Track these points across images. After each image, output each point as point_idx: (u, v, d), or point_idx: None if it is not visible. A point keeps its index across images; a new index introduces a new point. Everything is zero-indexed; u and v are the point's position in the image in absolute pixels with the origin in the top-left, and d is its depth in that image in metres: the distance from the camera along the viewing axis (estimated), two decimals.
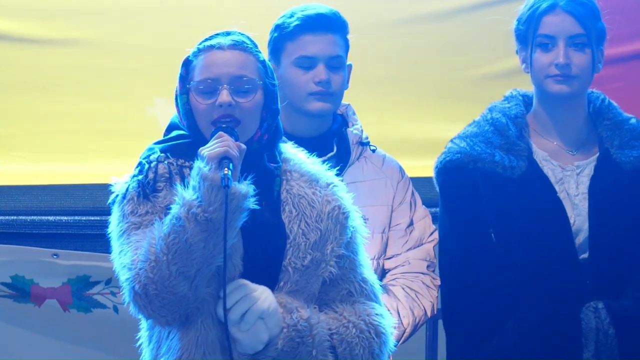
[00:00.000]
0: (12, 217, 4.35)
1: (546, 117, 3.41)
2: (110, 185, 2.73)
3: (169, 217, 2.54)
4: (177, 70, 2.74)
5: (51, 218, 4.35)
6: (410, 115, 4.51)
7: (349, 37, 3.43)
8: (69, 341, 4.35)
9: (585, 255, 3.30)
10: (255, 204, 2.57)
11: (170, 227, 2.52)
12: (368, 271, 2.79)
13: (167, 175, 2.66)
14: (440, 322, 3.57)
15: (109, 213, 2.72)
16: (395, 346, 2.94)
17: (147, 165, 2.67)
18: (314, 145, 3.18)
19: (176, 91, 2.73)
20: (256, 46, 2.74)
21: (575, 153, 3.41)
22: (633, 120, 3.45)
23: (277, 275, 2.67)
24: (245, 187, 2.55)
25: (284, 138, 2.83)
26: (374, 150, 3.47)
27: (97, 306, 4.30)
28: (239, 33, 2.73)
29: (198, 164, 2.55)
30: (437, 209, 3.49)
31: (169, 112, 2.82)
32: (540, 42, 3.31)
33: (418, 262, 3.45)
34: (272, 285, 2.65)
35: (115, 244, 2.65)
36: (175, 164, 2.67)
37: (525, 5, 3.38)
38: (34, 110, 4.35)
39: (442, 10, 4.49)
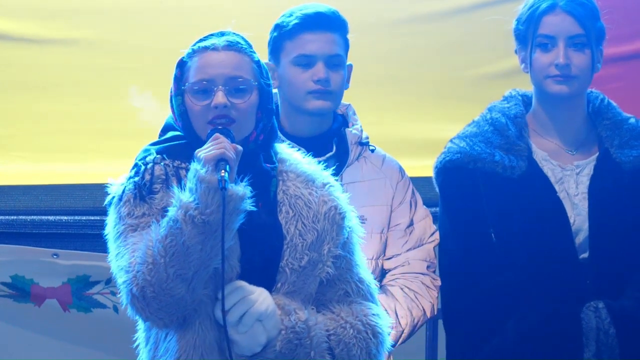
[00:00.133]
0: (12, 217, 4.35)
1: (546, 117, 3.41)
2: (112, 180, 2.72)
3: (166, 219, 2.54)
4: None
5: (51, 218, 4.35)
6: (410, 115, 4.51)
7: (349, 37, 3.43)
8: (69, 341, 4.35)
9: (585, 255, 3.30)
10: (252, 205, 2.57)
11: (168, 230, 2.52)
12: (364, 271, 2.79)
13: (164, 177, 2.65)
14: (440, 322, 3.57)
15: (106, 206, 2.71)
16: (393, 346, 2.94)
17: (143, 167, 2.66)
18: (314, 145, 3.18)
19: (171, 92, 2.73)
20: (250, 46, 2.73)
21: (574, 153, 3.41)
22: (632, 120, 3.45)
23: (275, 276, 2.66)
24: (242, 189, 2.55)
25: (281, 137, 2.83)
26: (373, 150, 3.47)
27: (97, 306, 4.30)
28: (233, 33, 2.73)
29: (195, 166, 2.55)
30: (437, 209, 3.49)
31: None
32: (540, 42, 3.31)
33: (418, 263, 3.45)
34: (269, 286, 2.65)
35: (112, 246, 2.65)
36: (171, 165, 2.67)
37: (524, 5, 3.38)
38: (34, 110, 4.35)
39: (442, 10, 4.49)
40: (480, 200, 3.35)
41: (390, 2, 4.47)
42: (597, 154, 3.39)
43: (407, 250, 3.46)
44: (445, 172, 3.41)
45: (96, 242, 4.23)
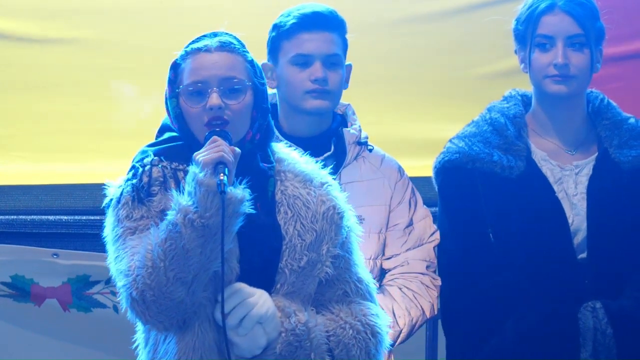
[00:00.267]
0: (12, 217, 4.35)
1: (545, 117, 3.41)
2: (109, 182, 2.72)
3: (165, 223, 2.54)
4: None
5: (51, 218, 4.35)
6: (410, 115, 4.51)
7: (348, 36, 3.43)
8: (69, 341, 4.35)
9: (584, 255, 3.30)
10: (251, 207, 2.57)
11: (167, 233, 2.51)
12: (363, 271, 2.79)
13: (162, 179, 2.65)
14: (440, 322, 3.57)
15: (104, 208, 2.71)
16: (391, 346, 2.94)
17: (140, 169, 2.66)
18: (312, 144, 3.18)
19: (165, 95, 2.72)
20: (243, 46, 2.72)
21: (574, 153, 3.41)
22: (632, 120, 3.45)
23: (274, 277, 2.66)
24: (241, 192, 2.54)
25: (278, 137, 2.83)
26: (371, 150, 3.47)
27: (97, 306, 4.30)
28: (226, 34, 2.72)
29: (193, 170, 2.54)
30: (437, 209, 3.50)
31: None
32: (538, 42, 3.32)
33: (417, 263, 3.45)
34: (269, 287, 2.65)
35: (111, 249, 2.65)
36: (169, 167, 2.66)
37: (524, 5, 3.38)
38: (34, 110, 4.35)
39: (442, 10, 4.49)
40: (478, 200, 3.35)
41: (390, 2, 4.47)
42: (596, 154, 3.39)
43: (407, 250, 3.45)
44: (444, 172, 3.41)
45: (96, 242, 4.21)
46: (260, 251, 2.65)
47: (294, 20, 3.33)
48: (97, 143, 4.37)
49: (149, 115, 4.28)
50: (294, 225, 2.68)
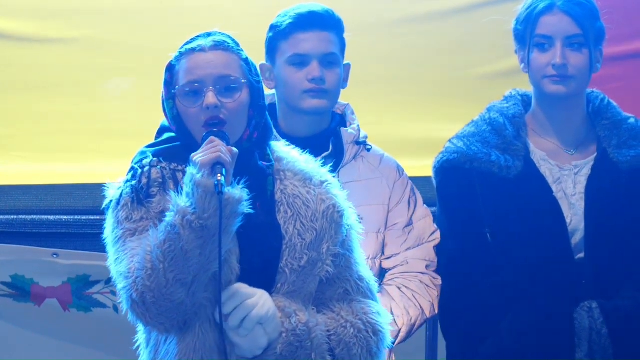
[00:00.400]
0: (12, 217, 4.35)
1: (544, 117, 3.41)
2: (109, 183, 2.72)
3: (163, 224, 2.54)
4: None
5: (51, 217, 4.35)
6: (410, 115, 4.51)
7: (347, 36, 3.43)
8: (69, 340, 4.35)
9: (582, 255, 3.30)
10: (250, 207, 2.57)
11: (166, 235, 2.51)
12: (364, 269, 2.79)
13: (161, 180, 2.65)
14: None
15: (104, 210, 2.71)
16: (392, 344, 2.94)
17: (140, 170, 2.66)
18: (311, 144, 3.18)
19: (162, 96, 2.73)
20: (238, 45, 2.72)
21: (573, 153, 3.41)
22: (632, 120, 3.45)
23: (274, 277, 2.66)
24: (239, 192, 2.54)
25: (276, 136, 2.83)
26: (369, 150, 3.46)
27: (97, 305, 4.30)
28: (220, 33, 2.72)
29: (190, 171, 2.54)
30: (436, 209, 3.50)
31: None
32: (537, 42, 3.32)
33: (417, 262, 3.44)
34: (269, 287, 2.65)
35: (111, 250, 2.65)
36: (168, 168, 2.67)
37: (523, 5, 3.39)
38: (34, 110, 4.35)
39: (442, 10, 4.49)
40: (476, 200, 3.35)
41: (390, 2, 4.46)
42: (595, 154, 3.39)
43: (406, 250, 3.45)
44: (442, 172, 3.41)
45: (96, 242, 4.20)
46: (260, 251, 2.65)
47: (290, 20, 3.33)
48: (97, 143, 4.37)
49: (149, 115, 4.28)
50: (294, 225, 2.68)
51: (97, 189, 4.25)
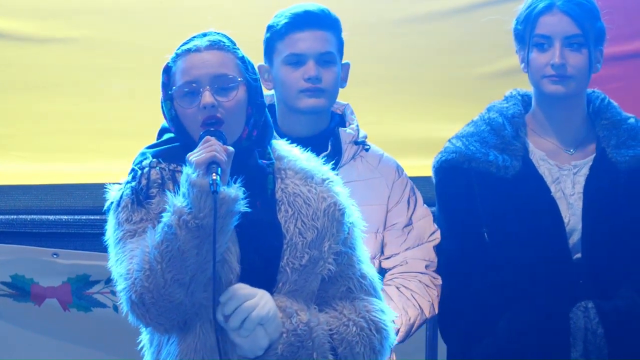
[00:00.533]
0: (12, 217, 4.35)
1: (543, 116, 3.42)
2: (109, 184, 2.73)
3: (160, 225, 2.54)
4: None
5: (51, 217, 4.34)
6: (410, 115, 4.50)
7: (345, 35, 3.43)
8: (69, 340, 4.35)
9: (579, 255, 3.30)
10: (247, 206, 2.56)
11: (163, 235, 2.51)
12: (367, 266, 2.78)
13: (160, 181, 2.65)
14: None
15: (105, 211, 2.72)
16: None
17: (139, 172, 2.66)
18: (309, 144, 3.17)
19: (161, 98, 2.73)
20: (234, 44, 2.72)
21: (573, 152, 3.41)
22: (632, 120, 3.45)
23: (275, 276, 2.66)
24: (235, 191, 2.54)
25: (276, 136, 2.82)
26: (367, 149, 3.47)
27: (97, 305, 4.30)
28: (216, 33, 2.72)
29: (186, 171, 2.54)
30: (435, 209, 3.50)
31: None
32: (536, 42, 3.32)
33: (416, 262, 3.44)
34: (270, 286, 2.65)
35: (112, 252, 2.66)
36: (167, 169, 2.67)
37: (523, 5, 3.39)
38: (34, 110, 4.35)
39: (442, 10, 4.48)
40: (474, 200, 3.35)
41: (390, 2, 4.46)
42: (594, 154, 3.39)
43: (406, 250, 3.45)
44: (441, 171, 3.42)
45: (96, 242, 4.21)
46: (260, 250, 2.65)
47: (285, 20, 3.34)
48: (97, 143, 4.37)
49: (149, 115, 4.28)
50: (294, 223, 2.68)
51: (97, 189, 4.25)
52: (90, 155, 4.37)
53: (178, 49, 2.71)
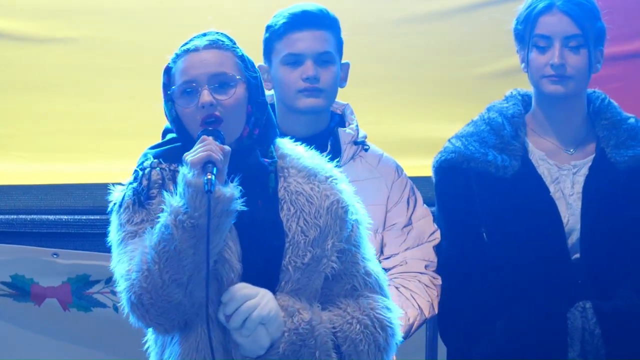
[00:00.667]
0: (12, 217, 4.35)
1: (543, 116, 3.42)
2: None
3: (158, 225, 2.54)
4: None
5: (51, 217, 4.34)
6: (410, 115, 4.50)
7: (347, 35, 3.43)
8: (69, 340, 4.35)
9: (578, 255, 3.30)
10: (248, 204, 2.57)
11: (160, 236, 2.52)
12: (372, 264, 2.77)
13: (161, 182, 2.66)
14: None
15: (108, 212, 2.72)
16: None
17: (140, 173, 2.67)
18: (309, 144, 3.17)
19: (162, 99, 2.73)
20: (234, 42, 2.72)
21: (572, 152, 3.41)
22: (632, 120, 3.45)
23: (277, 275, 2.65)
24: (231, 190, 2.54)
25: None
26: (367, 149, 3.47)
27: (97, 305, 4.30)
28: (215, 32, 2.72)
29: (182, 171, 2.55)
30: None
31: None
32: (536, 42, 3.32)
33: (416, 262, 3.44)
34: (273, 285, 2.65)
35: (114, 253, 2.66)
36: (168, 169, 2.67)
37: (523, 5, 3.39)
38: (34, 110, 4.35)
39: (442, 10, 4.48)
40: (473, 200, 3.36)
41: (390, 2, 4.46)
42: (594, 154, 3.39)
43: (405, 250, 3.45)
44: (440, 171, 3.42)
45: (96, 242, 4.24)
46: (261, 249, 2.65)
47: (284, 20, 3.34)
48: (97, 143, 4.37)
49: (148, 115, 4.28)
50: (296, 222, 2.67)
51: (97, 189, 4.30)
52: (90, 155, 4.37)
53: (178, 49, 2.71)
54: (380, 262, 3.44)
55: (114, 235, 2.67)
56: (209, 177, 2.50)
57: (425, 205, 3.53)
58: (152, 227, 2.58)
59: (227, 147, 2.58)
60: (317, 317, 2.65)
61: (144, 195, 2.64)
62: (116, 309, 4.25)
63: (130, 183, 2.68)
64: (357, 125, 3.46)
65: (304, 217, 2.68)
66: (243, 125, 2.69)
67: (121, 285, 2.59)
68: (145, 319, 2.57)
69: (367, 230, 2.78)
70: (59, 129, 4.36)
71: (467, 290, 3.36)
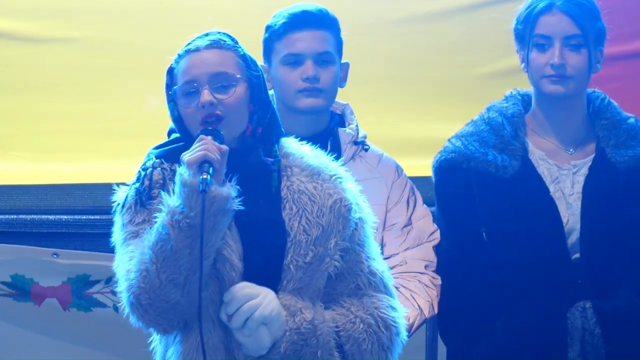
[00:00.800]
0: (12, 216, 4.34)
1: (543, 116, 3.42)
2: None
3: (156, 225, 2.55)
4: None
5: (51, 217, 4.34)
6: (410, 115, 4.50)
7: (347, 35, 3.43)
8: (69, 340, 4.35)
9: (578, 255, 3.30)
10: (250, 204, 2.57)
11: (157, 236, 2.53)
12: (377, 263, 2.76)
13: (162, 182, 2.66)
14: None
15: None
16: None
17: (143, 173, 2.68)
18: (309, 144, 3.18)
19: (166, 99, 2.74)
20: (235, 42, 2.73)
21: (572, 152, 3.41)
22: (631, 120, 3.45)
23: (279, 274, 2.65)
24: (227, 190, 2.55)
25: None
26: (367, 149, 3.47)
27: (97, 305, 4.30)
28: (217, 32, 2.73)
29: (179, 170, 2.55)
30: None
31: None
32: (536, 42, 3.32)
33: (416, 262, 3.44)
34: (275, 284, 2.65)
35: (117, 253, 2.67)
36: (169, 169, 2.68)
37: (524, 5, 3.39)
38: (34, 110, 4.35)
39: (442, 10, 4.48)
40: (473, 200, 3.36)
41: (390, 2, 4.46)
42: (594, 153, 3.39)
43: (405, 250, 3.45)
44: (440, 171, 3.42)
45: (96, 242, 4.25)
46: (262, 249, 2.65)
47: (283, 20, 3.34)
48: (97, 143, 4.37)
49: (148, 115, 4.28)
50: (298, 221, 2.67)
51: (97, 189, 4.30)
52: (90, 155, 4.37)
53: (181, 50, 2.72)
54: None
55: (117, 235, 2.68)
56: (204, 176, 2.51)
57: (424, 205, 3.53)
58: (149, 228, 2.58)
59: (224, 147, 2.58)
60: (319, 316, 2.65)
61: (145, 196, 2.65)
62: (116, 309, 4.26)
63: (133, 183, 2.69)
64: (357, 125, 3.46)
65: (306, 216, 2.68)
66: (245, 124, 2.70)
67: (121, 286, 2.60)
68: (144, 319, 2.57)
69: (372, 230, 2.77)
70: (59, 129, 4.36)
71: (467, 290, 3.36)
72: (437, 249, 3.47)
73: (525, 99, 3.49)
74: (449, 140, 3.46)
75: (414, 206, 3.49)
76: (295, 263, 2.65)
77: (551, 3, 3.31)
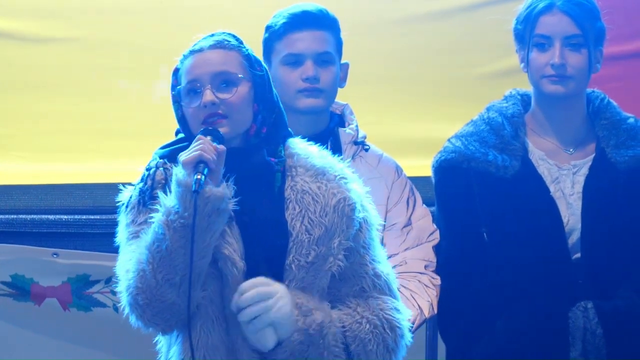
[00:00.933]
0: (12, 216, 4.34)
1: (543, 116, 3.42)
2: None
3: (153, 225, 2.55)
4: None
5: (51, 217, 4.34)
6: (410, 115, 4.50)
7: (347, 35, 3.43)
8: (69, 340, 4.35)
9: (578, 255, 3.30)
10: (252, 203, 2.58)
11: (154, 236, 2.53)
12: (382, 265, 2.75)
13: (164, 182, 2.66)
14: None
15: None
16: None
17: (146, 173, 2.69)
18: None
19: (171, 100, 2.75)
20: (240, 42, 2.73)
21: (572, 152, 3.41)
22: (631, 120, 3.45)
23: (281, 274, 2.65)
24: (222, 190, 2.55)
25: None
26: (367, 150, 3.47)
27: (97, 305, 4.30)
28: (222, 33, 2.73)
29: (176, 171, 2.56)
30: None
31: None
32: (536, 42, 3.32)
33: (415, 262, 3.44)
34: None
35: (120, 252, 2.68)
36: (171, 169, 2.67)
37: (523, 5, 3.39)
38: (34, 110, 4.34)
39: (442, 10, 4.48)
40: (473, 200, 3.36)
41: (390, 2, 4.46)
42: (594, 153, 3.40)
43: (405, 250, 3.46)
44: (440, 171, 3.42)
45: (96, 242, 4.24)
46: (263, 248, 2.64)
47: (283, 20, 3.35)
48: (97, 143, 4.37)
49: (148, 115, 4.28)
50: (301, 221, 2.66)
51: (97, 189, 4.30)
52: (90, 155, 4.37)
53: (186, 50, 2.73)
54: None
55: (121, 235, 2.69)
56: (198, 177, 2.51)
57: (424, 206, 3.53)
58: (145, 229, 2.59)
59: (222, 147, 2.59)
60: (328, 317, 2.65)
61: (147, 196, 2.65)
62: (116, 309, 4.25)
63: (138, 183, 2.70)
64: (357, 125, 3.46)
65: (309, 215, 2.67)
66: (249, 124, 2.70)
67: (120, 285, 2.61)
68: (142, 319, 2.58)
69: (377, 232, 2.77)
70: (59, 129, 4.36)
71: (467, 290, 3.36)
72: (437, 249, 3.47)
73: (524, 99, 3.49)
74: (448, 140, 3.46)
75: (414, 206, 3.49)
76: (297, 263, 2.65)
77: (551, 3, 3.31)
